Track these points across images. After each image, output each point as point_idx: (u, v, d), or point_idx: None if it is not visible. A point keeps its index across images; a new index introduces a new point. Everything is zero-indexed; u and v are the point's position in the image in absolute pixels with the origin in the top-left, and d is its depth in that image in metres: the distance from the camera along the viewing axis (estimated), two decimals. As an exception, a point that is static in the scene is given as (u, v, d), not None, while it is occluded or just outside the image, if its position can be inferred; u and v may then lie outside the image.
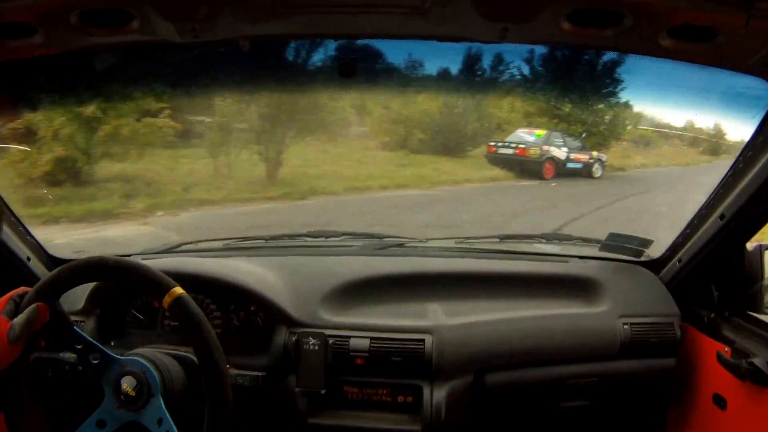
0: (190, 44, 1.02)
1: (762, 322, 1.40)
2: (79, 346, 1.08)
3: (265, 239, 1.71)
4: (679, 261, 1.53)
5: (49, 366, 1.36)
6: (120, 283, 1.36)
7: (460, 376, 1.40)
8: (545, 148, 7.85)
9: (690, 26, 0.87)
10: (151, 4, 0.87)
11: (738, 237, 1.39)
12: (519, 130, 8.34)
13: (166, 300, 1.04)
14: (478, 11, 0.89)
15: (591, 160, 8.19)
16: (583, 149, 8.15)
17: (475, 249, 1.71)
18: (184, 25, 0.93)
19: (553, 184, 7.79)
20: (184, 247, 1.68)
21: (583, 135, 7.97)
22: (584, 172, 8.11)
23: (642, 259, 1.65)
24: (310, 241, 1.71)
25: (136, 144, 5.62)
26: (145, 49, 1.21)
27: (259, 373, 1.34)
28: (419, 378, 1.38)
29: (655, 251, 1.64)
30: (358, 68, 1.13)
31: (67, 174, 5.46)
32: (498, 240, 1.72)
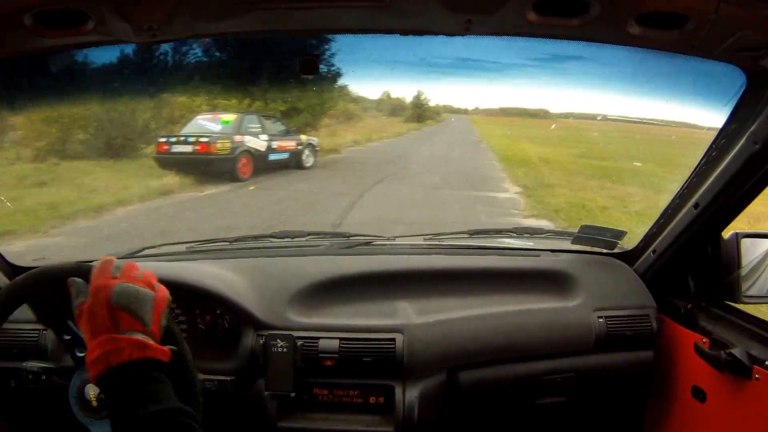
0: (148, 44, 1.00)
1: (740, 311, 1.39)
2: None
3: (229, 241, 1.69)
4: (654, 252, 1.51)
5: (11, 376, 1.34)
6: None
7: (433, 375, 1.38)
8: (237, 138, 5.84)
9: (659, 13, 0.86)
10: (106, 3, 0.85)
11: (713, 226, 1.37)
12: (199, 117, 6.18)
13: None
14: (440, 2, 0.87)
15: (300, 147, 6.51)
16: (288, 133, 6.44)
17: (444, 245, 1.69)
18: (140, 24, 0.91)
19: (252, 188, 5.88)
20: (146, 252, 1.65)
21: (287, 115, 6.39)
22: (292, 163, 6.38)
23: (615, 251, 1.63)
24: (275, 242, 1.69)
25: None
26: None
27: (227, 378, 1.33)
28: (391, 378, 1.36)
29: (628, 243, 1.62)
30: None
31: None
32: (468, 235, 1.70)
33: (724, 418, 1.33)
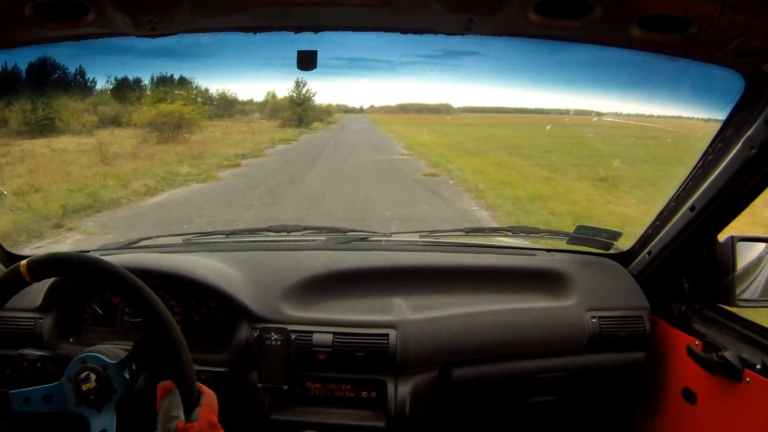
0: (148, 37, 1.00)
1: (733, 314, 1.39)
2: (29, 404, 1.03)
3: (226, 234, 1.69)
4: (649, 253, 1.51)
5: (7, 363, 1.35)
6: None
7: (425, 371, 1.39)
8: None
9: (662, 16, 0.86)
10: None
11: (709, 229, 1.37)
12: None
13: (24, 273, 1.00)
14: (441, 2, 0.88)
15: None
16: None
17: (440, 243, 1.69)
18: (140, 17, 0.92)
19: None
20: (143, 243, 1.66)
21: None
22: None
23: (611, 251, 1.62)
24: (272, 235, 1.69)
25: None
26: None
27: (222, 369, 1.33)
28: (383, 373, 1.37)
29: (624, 244, 1.61)
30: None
31: None
32: (464, 233, 1.70)
33: (714, 421, 1.34)
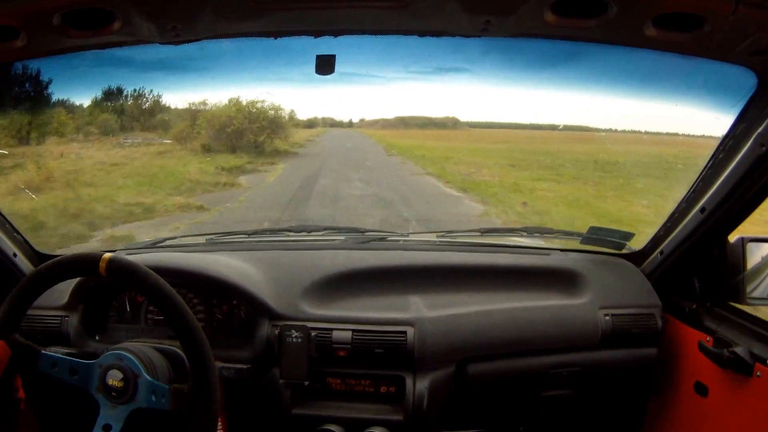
0: (172, 44, 1.02)
1: (744, 312, 1.42)
2: (55, 368, 1.08)
3: (248, 234, 1.72)
4: (661, 253, 1.53)
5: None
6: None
7: (442, 367, 1.42)
8: None
9: (676, 14, 0.87)
10: (131, 3, 0.87)
11: (719, 230, 1.39)
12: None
13: (102, 267, 1.03)
14: (459, 3, 0.88)
15: None
16: None
17: (456, 242, 1.71)
18: (164, 24, 0.94)
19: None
20: (167, 242, 1.69)
21: None
22: None
23: (623, 251, 1.65)
24: (292, 235, 1.72)
25: None
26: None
27: (244, 366, 1.36)
28: (402, 369, 1.39)
29: (636, 243, 1.64)
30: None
31: None
32: (479, 233, 1.72)
33: (725, 413, 1.37)
